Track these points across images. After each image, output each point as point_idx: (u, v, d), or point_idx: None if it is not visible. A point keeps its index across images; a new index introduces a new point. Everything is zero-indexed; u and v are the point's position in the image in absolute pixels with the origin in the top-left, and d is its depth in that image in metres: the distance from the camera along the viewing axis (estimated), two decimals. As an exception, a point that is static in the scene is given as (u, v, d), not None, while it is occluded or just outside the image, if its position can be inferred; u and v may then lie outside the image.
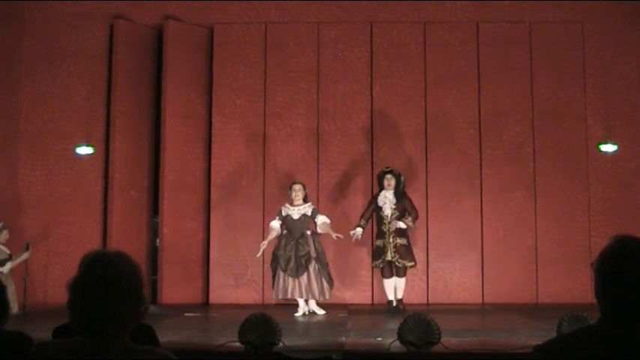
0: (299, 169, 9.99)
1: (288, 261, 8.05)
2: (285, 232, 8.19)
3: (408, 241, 8.44)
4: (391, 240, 8.33)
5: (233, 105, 10.21)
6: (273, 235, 8.18)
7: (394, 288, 8.46)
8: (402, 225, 8.32)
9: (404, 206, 8.43)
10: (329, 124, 10.18)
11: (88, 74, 9.98)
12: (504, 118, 10.08)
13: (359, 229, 8.43)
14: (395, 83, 10.20)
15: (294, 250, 8.07)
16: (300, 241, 8.12)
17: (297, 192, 8.24)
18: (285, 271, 8.04)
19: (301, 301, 8.17)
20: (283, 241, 8.12)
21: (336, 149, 10.10)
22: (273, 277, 8.15)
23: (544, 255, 9.82)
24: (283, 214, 8.20)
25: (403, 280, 8.45)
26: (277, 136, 10.15)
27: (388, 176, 8.48)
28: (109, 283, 1.77)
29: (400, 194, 8.49)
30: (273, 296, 8.35)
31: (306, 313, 8.15)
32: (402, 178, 8.60)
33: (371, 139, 10.13)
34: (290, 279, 8.04)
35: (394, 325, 5.56)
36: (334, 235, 8.07)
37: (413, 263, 8.44)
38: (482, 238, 9.92)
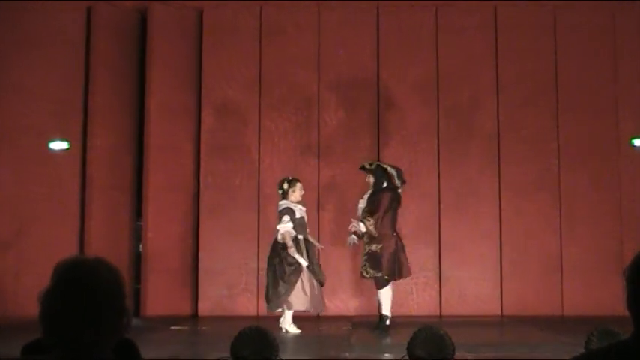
0: (298, 167, 9.98)
1: (319, 268, 8.13)
2: (299, 235, 8.05)
3: (382, 249, 7.83)
4: (365, 245, 7.98)
5: (225, 97, 10.21)
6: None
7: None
8: (361, 227, 7.86)
9: (371, 205, 7.95)
10: (331, 118, 10.17)
11: (64, 62, 9.96)
12: (525, 110, 10.06)
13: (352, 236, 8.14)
14: (404, 73, 10.19)
15: (315, 256, 8.14)
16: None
17: (301, 190, 8.17)
18: (320, 280, 8.03)
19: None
20: (303, 245, 8.01)
21: (340, 145, 10.10)
22: (288, 289, 7.91)
23: (570, 262, 9.81)
24: (297, 215, 8.03)
25: (382, 292, 7.96)
26: (274, 130, 10.15)
27: (364, 173, 8.13)
28: (87, 294, 1.76)
29: (375, 191, 7.99)
30: (309, 309, 8.07)
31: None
32: (387, 172, 7.99)
33: (377, 133, 10.12)
34: (319, 288, 8.04)
35: (403, 339, 5.55)
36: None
37: (379, 274, 7.85)
38: (500, 244, 9.91)
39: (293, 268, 7.92)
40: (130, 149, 10.22)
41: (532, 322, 8.73)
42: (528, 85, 10.11)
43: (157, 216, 9.96)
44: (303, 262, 7.89)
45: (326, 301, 9.80)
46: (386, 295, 8.00)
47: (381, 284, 7.97)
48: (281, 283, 7.93)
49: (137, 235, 10.22)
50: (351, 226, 8.01)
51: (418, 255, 9.30)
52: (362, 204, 8.08)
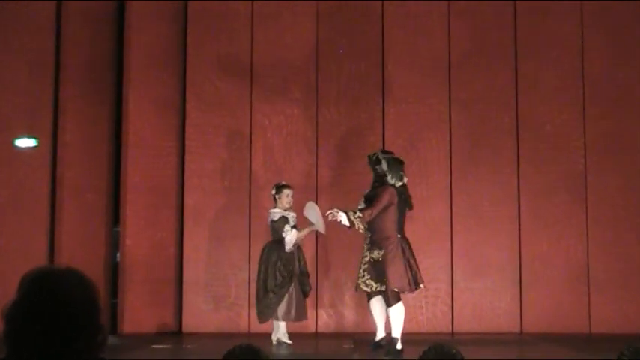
0: (294, 168, 9.98)
1: (307, 278, 8.53)
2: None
3: (386, 256, 7.41)
4: (365, 252, 7.61)
5: (213, 89, 10.21)
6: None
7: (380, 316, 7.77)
8: (342, 218, 7.36)
9: (370, 199, 7.60)
10: (331, 112, 10.17)
11: (32, 50, 9.94)
12: (547, 104, 10.07)
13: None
14: (412, 62, 10.19)
15: (303, 264, 8.54)
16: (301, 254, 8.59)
17: (289, 196, 8.53)
18: (305, 290, 8.43)
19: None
20: (295, 254, 8.44)
21: (340, 142, 10.09)
22: (278, 299, 8.28)
23: (598, 273, 9.81)
24: (291, 223, 8.43)
25: (392, 310, 7.49)
26: (267, 126, 10.15)
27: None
28: (57, 308, 1.75)
29: (374, 187, 7.69)
30: (294, 320, 8.41)
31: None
32: (386, 163, 7.66)
33: (382, 130, 10.13)
34: (303, 299, 8.42)
35: (411, 358, 5.53)
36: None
37: (382, 288, 7.42)
38: (519, 252, 9.91)
39: (284, 278, 8.24)
40: (106, 147, 10.20)
41: (555, 341, 8.73)
42: (551, 76, 10.10)
43: (136, 221, 9.95)
44: (320, 227, 8.19)
45: (324, 316, 9.84)
46: (397, 312, 7.48)
47: (391, 300, 7.42)
48: (272, 293, 8.24)
49: (114, 243, 10.21)
50: (328, 212, 7.48)
51: (427, 265, 9.29)
52: (361, 201, 7.72)
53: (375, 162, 7.74)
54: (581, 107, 10.07)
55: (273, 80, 10.22)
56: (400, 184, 7.65)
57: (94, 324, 1.81)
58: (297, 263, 8.39)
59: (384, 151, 8.05)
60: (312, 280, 9.73)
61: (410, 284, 7.46)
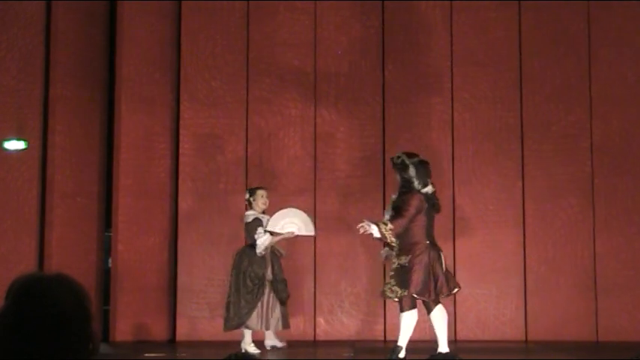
0: (292, 169, 9.98)
1: (284, 285, 8.50)
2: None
3: (412, 262, 7.33)
4: (394, 259, 7.52)
5: (207, 88, 10.21)
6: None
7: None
8: (373, 231, 7.31)
9: (395, 210, 7.49)
10: (330, 112, 10.18)
11: (20, 47, 9.93)
12: (554, 104, 10.07)
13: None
14: (413, 60, 10.20)
15: (279, 270, 8.53)
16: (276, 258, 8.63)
17: (264, 197, 8.58)
18: (281, 298, 8.41)
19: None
20: (269, 259, 8.43)
21: (339, 143, 10.10)
22: (250, 307, 8.28)
23: (606, 279, 9.81)
24: (264, 228, 8.44)
25: (404, 316, 7.43)
26: (264, 127, 10.15)
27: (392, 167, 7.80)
28: (46, 316, 1.74)
29: (401, 193, 7.56)
30: (265, 329, 8.45)
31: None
32: (413, 168, 7.51)
33: (382, 130, 10.13)
34: (280, 307, 8.40)
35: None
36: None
37: (404, 293, 7.31)
38: (525, 258, 9.91)
39: (255, 284, 8.28)
40: (97, 148, 10.20)
41: (562, 349, 8.72)
42: (557, 75, 10.11)
43: (128, 226, 9.94)
44: (310, 231, 8.37)
45: (323, 323, 9.83)
46: (408, 320, 7.40)
47: (405, 305, 7.38)
48: (243, 301, 8.28)
49: (105, 248, 10.21)
50: (359, 226, 7.42)
51: (430, 270, 9.27)
52: (388, 207, 7.65)
53: (400, 167, 7.57)
54: (588, 107, 10.08)
55: (270, 80, 10.22)
56: (427, 190, 7.53)
57: (85, 332, 1.80)
58: (269, 269, 8.38)
59: (409, 155, 7.75)
60: (310, 287, 9.77)
61: (430, 292, 7.35)
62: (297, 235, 8.50)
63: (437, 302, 7.44)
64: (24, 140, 9.83)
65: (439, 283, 7.39)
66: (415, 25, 10.25)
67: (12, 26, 9.92)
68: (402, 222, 7.31)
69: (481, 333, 9.77)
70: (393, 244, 7.38)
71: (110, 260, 10.14)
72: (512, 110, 10.12)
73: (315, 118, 10.17)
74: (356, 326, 9.85)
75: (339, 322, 9.84)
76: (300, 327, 9.76)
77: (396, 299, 7.46)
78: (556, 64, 10.12)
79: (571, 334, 9.63)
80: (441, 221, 9.79)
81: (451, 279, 7.58)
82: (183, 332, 9.89)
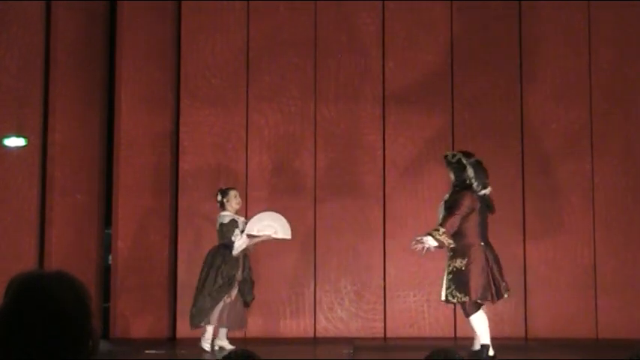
0: (291, 167, 9.98)
1: (251, 287, 8.47)
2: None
3: (469, 265, 7.22)
4: (448, 261, 7.39)
5: (207, 86, 10.21)
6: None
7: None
8: (430, 243, 7.20)
9: (447, 209, 7.38)
10: (330, 110, 10.17)
11: (20, 46, 9.93)
12: (554, 101, 10.07)
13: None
14: (413, 58, 10.19)
15: (249, 272, 8.50)
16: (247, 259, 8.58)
17: (237, 197, 8.57)
18: (246, 300, 8.40)
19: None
20: (241, 260, 8.42)
21: (339, 141, 10.09)
22: (214, 304, 8.27)
23: (605, 277, 9.81)
24: (241, 227, 8.42)
25: (474, 319, 7.33)
26: (264, 125, 10.14)
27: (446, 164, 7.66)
28: (46, 314, 1.74)
29: (454, 192, 7.46)
30: (227, 327, 8.41)
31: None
32: (472, 168, 7.43)
33: (382, 128, 10.12)
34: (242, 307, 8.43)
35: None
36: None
37: (466, 298, 7.21)
38: (524, 256, 9.91)
39: (224, 282, 8.26)
40: (97, 146, 10.20)
41: (561, 347, 8.72)
42: (558, 71, 10.10)
43: (128, 223, 9.94)
44: (286, 234, 8.35)
45: (323, 321, 9.83)
46: (479, 320, 7.30)
47: (470, 310, 7.29)
48: (208, 297, 8.26)
49: (105, 246, 10.21)
50: (414, 244, 7.31)
51: (429, 268, 9.27)
52: (441, 208, 7.53)
53: (456, 166, 7.49)
54: (589, 105, 10.07)
55: (270, 77, 10.21)
56: (484, 192, 7.47)
57: (85, 329, 1.80)
58: (240, 270, 8.37)
59: (466, 154, 7.67)
60: (310, 284, 9.77)
61: (492, 295, 7.28)
62: (274, 239, 8.49)
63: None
64: (24, 137, 9.83)
65: (497, 286, 7.29)
66: (415, 23, 10.24)
67: (12, 25, 9.91)
68: (454, 221, 7.19)
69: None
70: (452, 245, 7.23)
71: (110, 257, 10.15)
72: (513, 107, 10.11)
73: (315, 116, 10.16)
74: (356, 323, 9.85)
75: (339, 320, 9.84)
76: (300, 324, 9.77)
77: (459, 303, 7.35)
78: (556, 62, 10.11)
79: (571, 332, 9.62)
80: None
81: (505, 281, 7.45)
82: (183, 330, 9.87)
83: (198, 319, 8.29)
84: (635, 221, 9.89)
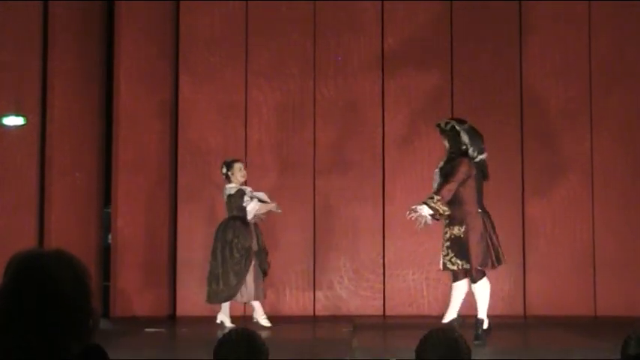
0: (290, 145, 9.97)
1: (266, 256, 8.50)
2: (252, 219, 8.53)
3: (468, 232, 7.14)
4: (445, 228, 7.30)
5: (206, 63, 10.18)
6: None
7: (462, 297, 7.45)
8: (424, 212, 7.07)
9: (444, 176, 7.28)
10: (329, 88, 10.15)
11: (18, 23, 9.88)
12: (553, 80, 10.05)
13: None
14: (413, 36, 10.15)
15: (262, 242, 8.56)
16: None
17: (242, 170, 8.56)
18: (264, 269, 8.43)
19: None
20: (253, 230, 8.44)
21: (338, 118, 10.07)
22: (240, 279, 8.30)
23: (604, 255, 9.83)
24: (249, 195, 8.44)
25: (477, 287, 7.25)
26: (262, 102, 10.12)
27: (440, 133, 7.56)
28: (46, 293, 1.75)
29: (449, 159, 7.36)
30: (250, 300, 8.46)
31: None
32: (466, 134, 7.32)
33: (382, 105, 10.11)
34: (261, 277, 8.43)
35: (412, 342, 5.55)
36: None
37: (467, 265, 7.14)
38: (523, 234, 9.92)
39: (242, 255, 8.28)
40: (96, 124, 10.18)
41: (560, 324, 8.75)
42: (557, 51, 10.07)
43: (127, 202, 9.95)
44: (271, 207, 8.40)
45: (322, 299, 9.86)
46: (482, 290, 7.25)
47: (476, 276, 7.19)
48: (232, 273, 8.26)
49: (105, 224, 10.21)
50: (409, 215, 7.18)
51: (429, 246, 9.27)
52: (436, 176, 7.41)
53: (450, 133, 7.37)
54: (588, 83, 10.05)
55: (269, 54, 10.18)
56: (481, 157, 7.39)
57: (85, 308, 1.81)
58: (254, 240, 8.39)
59: (459, 121, 7.60)
60: (309, 262, 9.79)
61: (493, 261, 7.22)
62: (276, 211, 8.56)
63: (483, 274, 7.26)
64: (22, 116, 9.81)
65: (496, 252, 7.25)
66: (415, 0, 10.20)
67: (10, 4, 9.86)
68: (450, 187, 7.10)
69: (480, 308, 9.77)
70: (447, 213, 7.13)
71: (110, 236, 10.15)
72: (512, 86, 10.09)
73: (314, 93, 10.14)
74: (355, 301, 9.87)
75: (338, 298, 9.86)
76: (299, 302, 9.79)
77: (458, 270, 7.25)
78: (556, 39, 10.08)
79: (569, 310, 9.65)
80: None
81: (500, 250, 7.36)
82: (183, 308, 9.91)
83: (226, 295, 8.30)
84: (634, 199, 9.89)
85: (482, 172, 7.44)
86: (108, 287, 9.90)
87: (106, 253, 10.12)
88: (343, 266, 9.82)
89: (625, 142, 9.97)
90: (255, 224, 8.50)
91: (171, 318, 9.84)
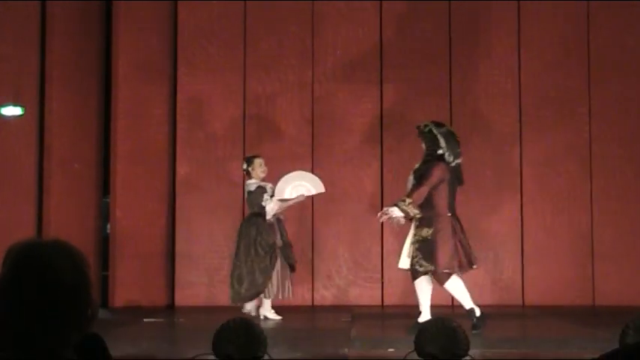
0: (289, 136, 9.97)
1: (291, 250, 8.46)
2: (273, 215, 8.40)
3: (435, 235, 7.16)
4: (414, 230, 7.31)
5: (204, 54, 10.18)
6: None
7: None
8: (395, 214, 7.17)
9: (418, 179, 7.32)
10: (327, 79, 10.15)
11: (16, 14, 9.87)
12: (552, 69, 10.05)
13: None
14: (411, 26, 10.15)
15: (286, 236, 8.45)
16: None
17: (262, 166, 8.47)
18: (291, 264, 8.35)
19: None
20: (276, 226, 8.35)
21: (337, 110, 10.08)
22: (268, 275, 8.19)
23: (602, 245, 9.85)
24: (269, 192, 8.33)
25: (449, 287, 7.30)
26: (261, 93, 10.12)
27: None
28: (44, 283, 1.75)
29: (425, 161, 7.39)
30: (279, 297, 8.38)
31: None
32: (443, 138, 7.34)
33: (380, 96, 10.11)
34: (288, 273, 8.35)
35: (411, 332, 5.57)
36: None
37: (432, 267, 7.17)
38: (522, 223, 9.94)
39: (266, 252, 8.18)
40: (95, 115, 10.18)
41: (558, 314, 8.77)
42: (555, 40, 10.07)
43: (126, 192, 9.96)
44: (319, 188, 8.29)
45: (321, 289, 9.87)
46: (455, 286, 7.28)
47: (442, 278, 7.24)
48: (258, 271, 8.16)
49: (104, 215, 10.23)
50: (380, 215, 7.31)
51: (428, 236, 9.30)
52: (410, 177, 7.47)
53: (428, 136, 7.41)
54: (587, 73, 10.05)
55: (268, 45, 10.17)
56: (457, 161, 7.40)
57: (84, 298, 1.81)
58: (278, 236, 8.33)
59: (437, 124, 7.59)
60: (308, 252, 9.80)
61: (461, 265, 7.24)
62: (307, 197, 8.49)
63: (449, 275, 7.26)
64: (21, 106, 9.81)
65: (466, 256, 7.27)
66: (413, -9, 10.19)
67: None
68: (422, 191, 7.14)
69: (479, 298, 9.73)
70: (418, 215, 7.18)
71: (108, 226, 10.16)
72: (510, 75, 10.10)
73: (312, 84, 10.14)
74: (354, 291, 9.89)
75: (337, 288, 9.88)
76: (298, 292, 9.78)
77: (426, 272, 7.28)
78: (555, 29, 10.08)
79: (568, 299, 9.68)
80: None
81: (472, 253, 7.39)
82: (181, 298, 9.93)
83: (253, 292, 8.22)
84: (633, 188, 9.91)
85: (456, 176, 7.45)
86: (107, 277, 9.92)
87: (104, 243, 10.14)
88: (342, 256, 9.84)
89: (624, 132, 9.97)
90: (278, 219, 8.44)
91: (170, 308, 9.86)
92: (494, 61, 10.09)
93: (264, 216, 8.29)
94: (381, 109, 10.06)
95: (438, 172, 7.22)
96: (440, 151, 7.30)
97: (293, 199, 8.31)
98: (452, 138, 7.44)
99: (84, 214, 9.99)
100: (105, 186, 10.20)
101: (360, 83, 10.13)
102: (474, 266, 7.44)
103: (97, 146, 10.20)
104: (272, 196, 8.26)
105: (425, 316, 7.32)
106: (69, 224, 9.62)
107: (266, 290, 8.21)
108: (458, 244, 7.22)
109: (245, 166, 8.50)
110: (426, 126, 7.48)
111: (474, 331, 6.87)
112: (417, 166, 7.48)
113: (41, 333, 1.75)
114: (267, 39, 10.17)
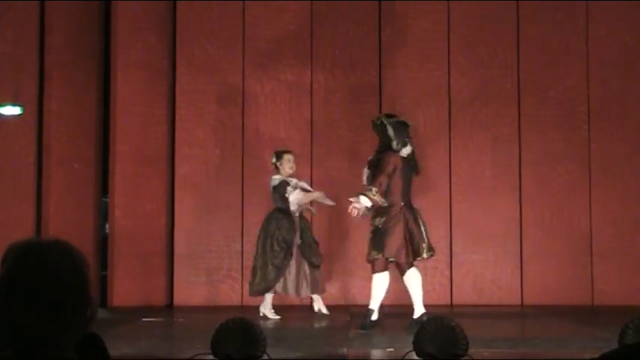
0: (288, 135, 9.97)
1: (315, 249, 8.55)
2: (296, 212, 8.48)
3: (386, 224, 7.27)
4: (371, 222, 7.45)
5: (204, 53, 10.18)
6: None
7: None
8: (363, 203, 7.21)
9: (373, 169, 7.46)
10: (326, 78, 10.16)
11: (15, 13, 9.87)
12: (551, 68, 10.05)
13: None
14: (410, 25, 10.16)
15: (309, 234, 8.56)
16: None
17: (290, 162, 8.49)
18: (312, 262, 8.41)
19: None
20: (298, 223, 8.41)
21: (335, 109, 10.08)
22: (277, 272, 8.23)
23: (602, 244, 9.85)
24: (293, 185, 8.42)
25: (375, 278, 7.39)
26: (260, 92, 10.13)
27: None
28: (43, 282, 1.74)
29: (378, 152, 7.55)
30: (293, 293, 8.47)
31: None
32: (391, 128, 7.46)
33: (379, 96, 10.11)
34: (311, 270, 8.42)
35: (410, 331, 5.57)
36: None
37: (379, 255, 7.28)
38: (521, 222, 9.95)
39: (282, 249, 8.23)
40: (94, 114, 10.18)
41: (557, 313, 8.77)
42: (555, 38, 10.08)
43: (125, 192, 9.95)
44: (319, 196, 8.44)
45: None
46: (380, 282, 7.36)
47: (378, 267, 7.33)
48: (271, 266, 8.22)
49: (103, 214, 10.22)
50: (351, 207, 7.29)
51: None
52: (365, 168, 7.64)
53: (379, 127, 7.55)
54: (585, 72, 10.06)
55: (267, 45, 10.18)
56: (406, 150, 7.47)
57: (83, 298, 1.80)
58: (298, 234, 8.34)
59: (388, 115, 7.76)
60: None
61: (407, 255, 7.29)
62: (321, 202, 8.58)
63: (411, 265, 7.37)
64: (20, 106, 9.81)
65: (415, 246, 7.31)
66: (412, -10, 10.20)
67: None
68: (381, 180, 7.23)
69: (477, 298, 9.81)
70: (385, 204, 7.26)
71: (107, 226, 10.16)
72: (509, 75, 10.10)
73: (311, 84, 10.14)
74: (352, 291, 9.89)
75: (336, 287, 9.88)
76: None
77: (370, 261, 7.40)
78: (553, 28, 10.08)
79: (567, 299, 9.68)
80: (438, 187, 9.85)
81: (428, 243, 7.41)
82: (180, 297, 9.93)
83: (263, 287, 8.27)
84: (632, 188, 9.91)
85: (411, 166, 7.53)
86: (106, 277, 9.92)
87: (103, 243, 10.14)
88: (341, 256, 9.83)
89: (623, 131, 9.98)
90: (302, 217, 8.47)
91: (169, 307, 9.86)
92: (494, 62, 10.09)
93: (286, 211, 8.31)
94: (379, 108, 10.05)
95: (390, 160, 7.34)
96: (390, 142, 7.42)
97: (315, 192, 8.37)
98: (401, 128, 7.55)
99: (83, 213, 9.98)
100: (104, 185, 10.20)
101: (360, 83, 10.13)
102: (424, 256, 7.42)
103: (96, 146, 10.19)
104: (295, 188, 8.31)
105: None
106: (68, 224, 9.62)
107: (278, 286, 8.25)
108: (407, 234, 7.28)
109: (274, 160, 8.51)
110: (378, 118, 7.66)
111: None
112: (370, 157, 7.64)
113: (41, 333, 1.74)
114: (266, 38, 10.18)
